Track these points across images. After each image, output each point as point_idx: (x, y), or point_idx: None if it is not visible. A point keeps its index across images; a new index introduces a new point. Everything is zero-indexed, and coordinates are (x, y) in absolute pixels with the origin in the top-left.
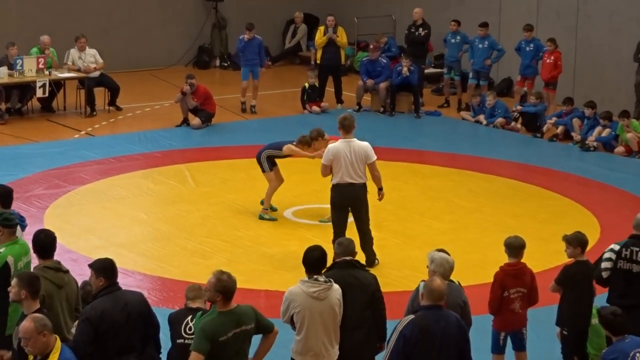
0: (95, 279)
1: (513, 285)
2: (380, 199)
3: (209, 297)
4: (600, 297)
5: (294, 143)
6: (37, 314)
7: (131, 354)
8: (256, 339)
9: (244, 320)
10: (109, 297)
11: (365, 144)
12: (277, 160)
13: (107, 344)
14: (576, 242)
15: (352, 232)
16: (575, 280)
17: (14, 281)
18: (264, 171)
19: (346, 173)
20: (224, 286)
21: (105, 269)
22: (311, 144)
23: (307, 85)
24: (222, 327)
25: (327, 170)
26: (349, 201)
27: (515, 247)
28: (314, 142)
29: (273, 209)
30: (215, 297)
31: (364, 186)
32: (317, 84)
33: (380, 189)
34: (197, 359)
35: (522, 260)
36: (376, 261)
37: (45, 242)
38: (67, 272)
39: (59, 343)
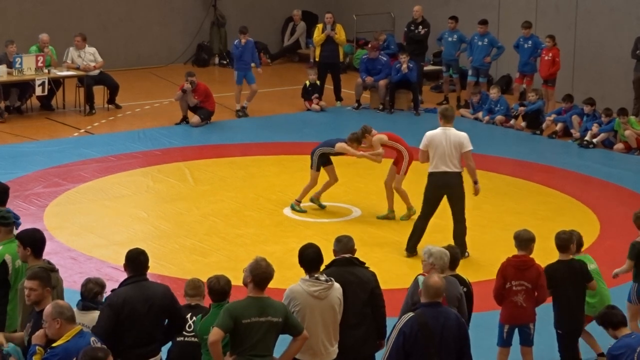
0: (124, 267)
1: (515, 277)
2: (475, 194)
3: (244, 278)
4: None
5: (346, 141)
6: (63, 302)
7: (151, 345)
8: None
9: (271, 311)
10: (133, 286)
11: (463, 133)
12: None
13: (125, 333)
14: (555, 241)
15: (352, 231)
16: (554, 279)
17: (27, 282)
18: (311, 168)
19: (441, 161)
20: (257, 269)
21: (129, 259)
22: (361, 141)
23: (307, 82)
24: (247, 310)
25: (424, 156)
26: (443, 190)
27: (522, 240)
28: (363, 139)
29: (321, 207)
30: (247, 278)
31: (458, 175)
32: (317, 82)
33: (475, 182)
34: (217, 333)
35: (532, 256)
36: (466, 254)
37: (42, 242)
38: (57, 271)
39: (71, 333)
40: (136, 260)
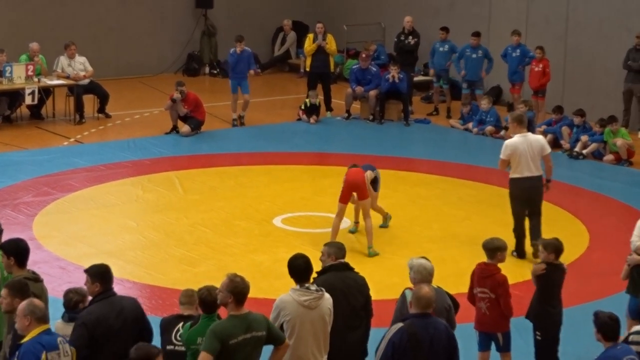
0: (90, 284)
1: (478, 283)
2: (546, 190)
3: (221, 299)
4: (602, 303)
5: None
6: (38, 302)
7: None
8: (267, 352)
9: (255, 326)
10: (105, 303)
11: (541, 137)
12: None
13: (102, 349)
14: (551, 247)
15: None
16: (547, 274)
17: (4, 292)
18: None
19: (526, 167)
20: (235, 287)
21: (101, 274)
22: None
23: (308, 102)
24: (233, 330)
25: (505, 164)
26: (527, 193)
27: (487, 249)
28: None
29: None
30: (227, 298)
31: (540, 178)
32: (317, 104)
33: (548, 180)
34: (206, 358)
35: (500, 266)
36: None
37: (26, 251)
38: (42, 281)
39: (33, 334)
40: (107, 275)
